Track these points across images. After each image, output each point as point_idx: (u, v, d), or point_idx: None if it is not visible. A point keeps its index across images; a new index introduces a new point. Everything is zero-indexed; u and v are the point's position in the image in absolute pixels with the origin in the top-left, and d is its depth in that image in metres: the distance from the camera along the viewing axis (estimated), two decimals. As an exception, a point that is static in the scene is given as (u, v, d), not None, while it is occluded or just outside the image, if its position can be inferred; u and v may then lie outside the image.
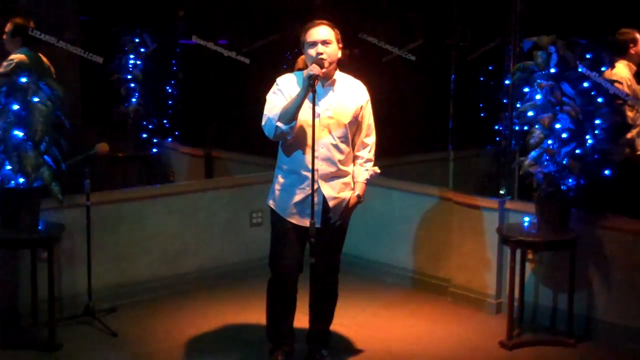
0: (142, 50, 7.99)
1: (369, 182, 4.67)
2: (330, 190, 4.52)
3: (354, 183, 4.63)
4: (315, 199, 4.41)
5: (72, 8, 6.93)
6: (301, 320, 4.78)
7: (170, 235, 6.14)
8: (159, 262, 6.07)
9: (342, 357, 4.98)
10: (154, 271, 6.04)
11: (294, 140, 4.47)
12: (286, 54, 7.10)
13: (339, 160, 4.52)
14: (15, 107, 4.92)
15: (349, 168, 4.61)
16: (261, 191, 6.33)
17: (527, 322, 5.53)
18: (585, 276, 5.33)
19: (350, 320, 5.47)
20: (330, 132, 4.48)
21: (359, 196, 4.61)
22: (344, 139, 4.53)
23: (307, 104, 4.34)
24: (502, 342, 5.21)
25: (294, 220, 4.51)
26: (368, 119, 4.64)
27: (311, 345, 4.82)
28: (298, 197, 4.50)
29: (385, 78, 7.22)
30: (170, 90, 8.28)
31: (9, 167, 4.94)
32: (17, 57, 5.45)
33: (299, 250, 4.60)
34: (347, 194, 4.58)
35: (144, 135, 8.08)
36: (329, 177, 4.51)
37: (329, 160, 4.49)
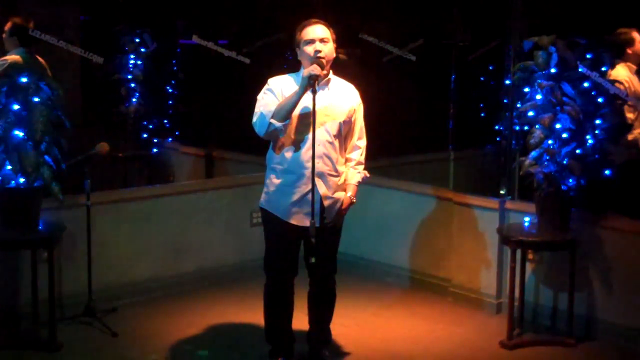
0: (142, 50, 7.99)
1: (363, 184, 4.68)
2: (326, 189, 4.51)
3: (346, 185, 4.62)
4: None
5: (72, 8, 6.94)
6: (301, 320, 4.77)
7: (170, 235, 6.13)
8: (159, 262, 6.06)
9: (342, 357, 4.98)
10: (154, 271, 6.03)
11: (288, 138, 4.46)
12: (286, 54, 7.11)
13: (334, 159, 4.52)
14: (16, 107, 4.92)
15: (342, 168, 4.60)
16: (261, 191, 6.34)
17: (527, 322, 5.52)
18: (585, 276, 5.33)
19: (350, 320, 5.47)
20: (326, 130, 4.47)
21: (351, 197, 4.60)
22: (338, 137, 4.53)
23: (303, 102, 4.35)
24: (502, 342, 5.20)
25: (294, 220, 4.48)
26: (360, 121, 4.65)
27: (312, 345, 4.82)
28: (295, 197, 4.46)
29: (385, 78, 7.23)
30: (170, 90, 8.28)
31: (9, 167, 4.94)
32: (11, 57, 5.47)
33: (295, 252, 4.59)
34: (340, 195, 4.57)
35: (144, 135, 8.08)
36: (324, 176, 4.49)
37: (326, 157, 4.48)
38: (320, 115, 4.43)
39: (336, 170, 4.55)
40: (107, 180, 7.22)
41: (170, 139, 8.25)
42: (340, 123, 4.51)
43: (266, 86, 4.51)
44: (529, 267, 5.54)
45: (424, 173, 7.13)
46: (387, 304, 5.95)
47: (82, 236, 5.42)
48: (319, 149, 4.43)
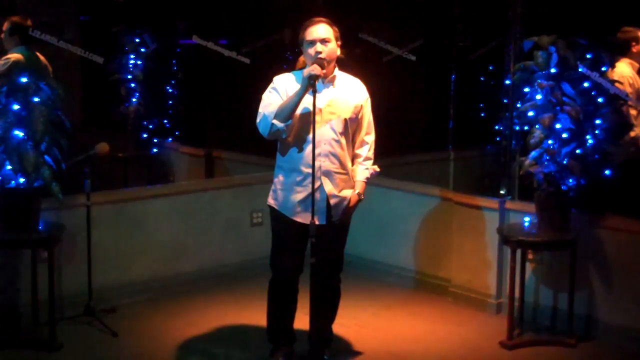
0: (142, 50, 7.99)
1: (369, 182, 4.67)
2: (332, 188, 4.51)
3: (354, 181, 4.62)
4: (318, 196, 4.39)
5: (72, 8, 6.94)
6: (303, 320, 4.77)
7: (170, 235, 6.13)
8: (159, 262, 6.06)
9: (342, 358, 4.98)
10: (154, 271, 6.03)
11: (294, 137, 4.47)
12: (286, 54, 7.11)
13: (341, 156, 4.52)
14: (16, 107, 4.92)
15: (349, 165, 4.60)
16: (261, 191, 6.33)
17: (527, 322, 5.53)
18: (585, 276, 5.33)
19: (351, 320, 5.47)
20: (332, 128, 4.47)
21: (359, 194, 4.60)
22: (345, 134, 4.52)
23: (306, 102, 4.35)
24: (502, 342, 5.20)
25: (299, 218, 4.50)
26: (368, 116, 4.65)
27: (313, 344, 4.81)
28: (301, 195, 4.48)
29: (385, 78, 7.22)
30: (170, 90, 8.29)
31: (9, 167, 4.94)
32: (13, 56, 5.47)
33: (300, 250, 4.60)
34: (348, 193, 4.57)
35: (144, 135, 8.08)
36: (331, 174, 4.50)
37: (332, 155, 4.48)
38: (325, 113, 4.44)
39: (344, 168, 4.54)
40: (107, 180, 7.23)
41: (170, 139, 8.25)
42: (346, 120, 4.51)
43: (271, 85, 4.52)
44: (529, 267, 5.54)
45: (424, 173, 7.13)
46: (387, 304, 5.95)
47: (82, 236, 5.42)
48: (325, 148, 4.44)
